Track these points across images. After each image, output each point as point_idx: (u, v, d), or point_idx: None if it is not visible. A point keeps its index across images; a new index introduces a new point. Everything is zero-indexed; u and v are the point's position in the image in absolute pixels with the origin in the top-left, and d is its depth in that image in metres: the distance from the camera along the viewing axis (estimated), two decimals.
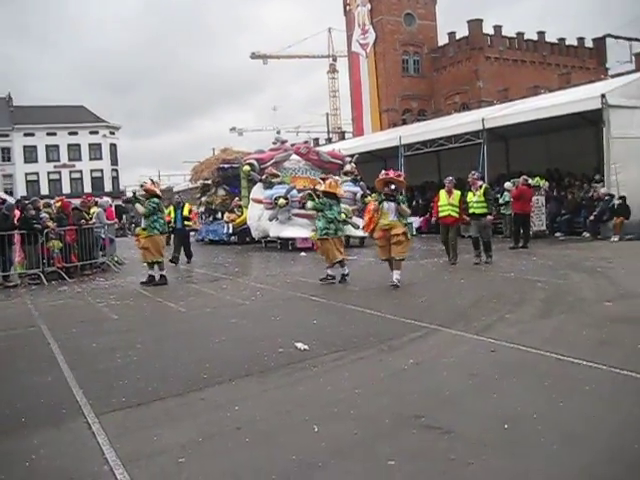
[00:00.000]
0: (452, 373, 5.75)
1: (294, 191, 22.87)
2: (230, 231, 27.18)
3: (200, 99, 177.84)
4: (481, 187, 14.58)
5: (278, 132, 38.96)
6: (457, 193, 14.45)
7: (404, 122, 54.77)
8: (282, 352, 6.81)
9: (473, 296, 9.74)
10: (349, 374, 5.91)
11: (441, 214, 14.59)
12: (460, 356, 6.34)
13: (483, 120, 23.94)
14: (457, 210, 14.35)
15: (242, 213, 25.94)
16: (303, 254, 19.79)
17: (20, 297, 13.21)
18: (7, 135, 72.12)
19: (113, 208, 26.38)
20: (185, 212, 20.34)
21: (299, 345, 6.26)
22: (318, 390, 5.47)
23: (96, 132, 75.31)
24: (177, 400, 5.43)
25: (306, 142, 28.99)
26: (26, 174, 72.17)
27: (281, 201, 22.27)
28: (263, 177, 23.69)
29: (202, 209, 30.70)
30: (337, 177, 22.57)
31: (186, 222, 20.28)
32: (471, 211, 14.55)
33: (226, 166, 28.05)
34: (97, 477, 3.91)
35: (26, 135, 72.55)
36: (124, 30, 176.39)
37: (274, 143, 26.84)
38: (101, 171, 75.30)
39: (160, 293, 12.24)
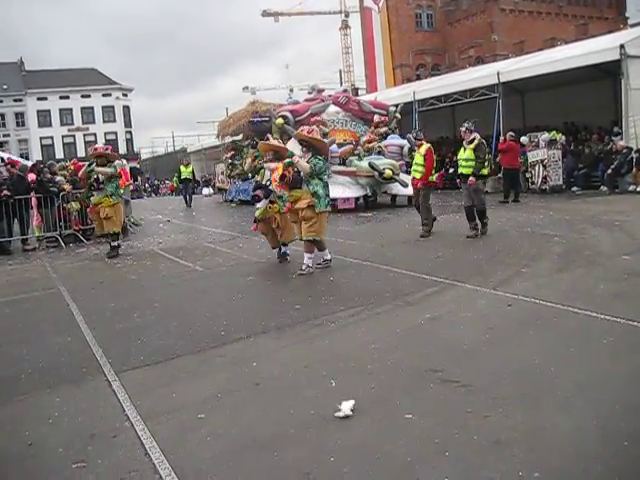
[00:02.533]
0: (468, 327, 5.75)
1: (333, 146, 19.21)
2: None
3: (213, 59, 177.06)
4: (472, 141, 11.96)
5: (291, 90, 38.17)
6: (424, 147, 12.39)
7: (418, 77, 54.18)
8: (299, 308, 6.85)
9: (489, 251, 9.70)
10: (366, 329, 5.95)
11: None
12: (476, 310, 6.35)
13: (498, 74, 23.55)
14: (422, 170, 12.37)
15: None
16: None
17: (39, 260, 13.32)
18: (21, 100, 72.04)
19: (128, 170, 26.34)
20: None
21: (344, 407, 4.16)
22: (335, 346, 5.51)
23: (109, 94, 75.07)
24: (195, 357, 5.50)
25: (345, 91, 25.16)
26: (41, 138, 72.24)
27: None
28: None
29: (231, 170, 27.94)
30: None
31: None
32: (459, 171, 12.47)
33: (257, 119, 24.45)
34: (118, 433, 3.98)
35: (39, 99, 72.42)
36: None
37: (309, 93, 24.22)
38: (115, 133, 75.22)
39: (177, 253, 12.28)
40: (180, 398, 4.50)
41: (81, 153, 67.37)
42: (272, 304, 7.22)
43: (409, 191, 16.36)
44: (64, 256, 13.72)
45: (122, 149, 72.98)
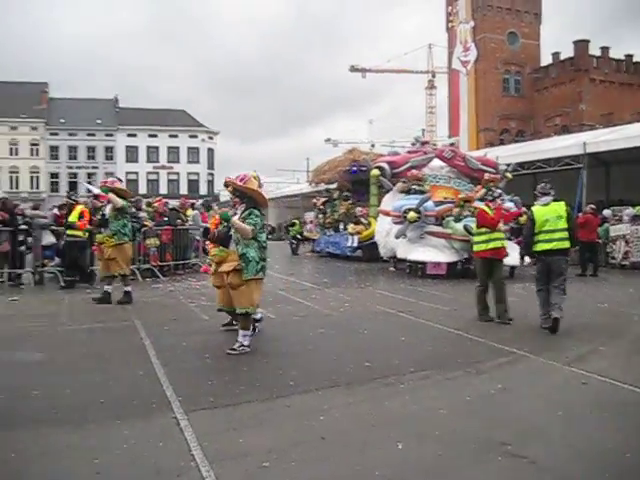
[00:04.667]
0: (541, 402, 5.62)
1: (429, 203, 17.50)
2: (355, 244, 23.25)
3: (303, 108, 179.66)
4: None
5: (372, 146, 38.12)
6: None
7: (501, 142, 53.92)
8: (369, 366, 6.82)
9: (565, 324, 9.45)
10: (435, 394, 5.88)
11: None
12: (550, 385, 6.20)
13: (585, 144, 23.25)
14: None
15: (370, 224, 22.20)
16: (392, 269, 19.21)
17: (116, 291, 13.66)
18: (112, 135, 74.97)
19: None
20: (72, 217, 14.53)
21: None
22: (403, 407, 5.46)
23: (195, 136, 77.33)
24: (264, 405, 5.53)
25: (452, 144, 23.57)
26: (127, 173, 74.59)
27: (411, 215, 17.06)
28: (402, 181, 19.26)
29: (322, 219, 27.17)
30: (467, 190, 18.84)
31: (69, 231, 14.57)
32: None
33: (355, 169, 23.52)
34: (183, 472, 4.03)
35: (129, 136, 75.20)
36: (251, 35, 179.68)
37: (413, 144, 22.92)
38: (197, 174, 77.21)
39: None
40: (246, 444, 4.53)
41: (163, 190, 69.47)
42: (341, 359, 7.20)
43: (512, 261, 13.66)
44: (140, 290, 14.01)
45: (203, 190, 74.76)
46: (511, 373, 6.68)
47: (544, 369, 6.87)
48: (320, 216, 27.31)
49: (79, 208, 14.41)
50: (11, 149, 71.98)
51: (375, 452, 4.37)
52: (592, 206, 19.00)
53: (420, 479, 3.93)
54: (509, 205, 17.10)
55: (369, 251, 21.87)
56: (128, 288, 12.05)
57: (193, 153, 77.38)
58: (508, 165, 21.74)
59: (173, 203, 21.11)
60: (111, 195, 11.84)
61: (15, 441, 4.62)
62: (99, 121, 74.56)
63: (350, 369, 6.69)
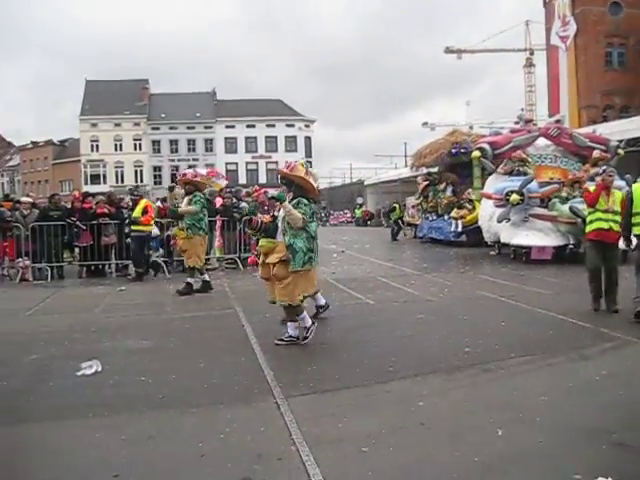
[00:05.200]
0: None
1: (533, 184, 16.60)
2: (459, 229, 22.35)
3: (402, 92, 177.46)
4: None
5: (470, 128, 37.13)
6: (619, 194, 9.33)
7: (604, 119, 51.80)
8: (469, 352, 6.75)
9: None
10: (536, 380, 5.77)
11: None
12: None
13: None
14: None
15: (474, 208, 21.30)
16: (493, 253, 18.56)
17: (218, 280, 14.02)
18: (211, 127, 76.56)
19: None
20: (136, 212, 14.58)
21: None
22: (504, 393, 5.38)
23: (292, 125, 77.97)
24: (363, 390, 5.57)
25: (558, 121, 21.44)
26: (226, 164, 76.11)
27: (513, 197, 16.19)
28: (505, 163, 18.35)
29: (424, 205, 26.14)
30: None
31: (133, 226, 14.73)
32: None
33: (455, 151, 22.57)
34: (283, 456, 4.12)
35: (227, 127, 76.59)
36: (347, 19, 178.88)
37: (516, 123, 21.56)
38: None
39: (350, 284, 12.46)
40: (345, 429, 4.58)
41: (262, 180, 70.43)
42: (441, 344, 7.16)
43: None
44: (241, 278, 14.36)
45: None
46: (616, 359, 6.44)
47: None
48: (422, 201, 26.38)
49: (143, 203, 14.69)
50: (116, 145, 74.67)
51: (474, 438, 4.34)
52: None
53: (520, 466, 3.87)
54: (620, 184, 14.58)
55: (473, 236, 20.95)
56: (205, 277, 12.27)
57: (290, 142, 78.04)
58: (620, 142, 20.39)
59: (272, 192, 21.41)
60: (186, 209, 11.99)
61: (123, 425, 4.85)
62: (198, 114, 76.25)
63: (450, 355, 6.63)
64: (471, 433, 4.44)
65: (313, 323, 7.67)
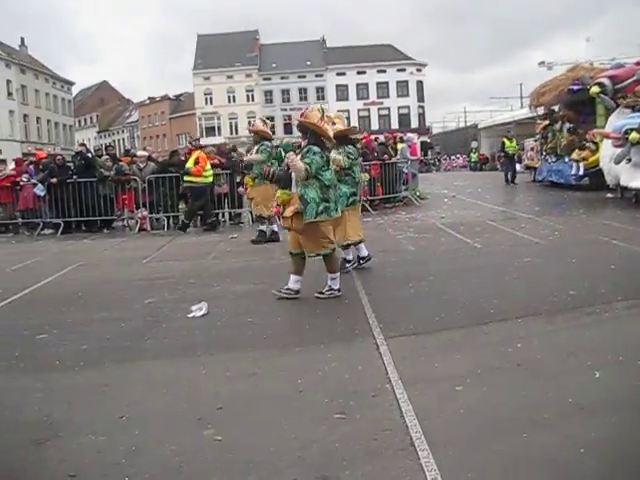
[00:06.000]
0: None
1: None
2: (580, 172, 20.33)
3: (521, 30, 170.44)
4: None
5: (591, 64, 35.23)
6: None
7: None
8: (573, 294, 6.60)
9: None
10: None
11: None
12: None
13: None
14: None
15: (597, 150, 19.01)
16: (609, 196, 17.20)
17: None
18: (321, 75, 76.44)
19: (418, 144, 26.78)
20: (189, 163, 14.92)
21: None
22: (605, 336, 5.27)
23: (403, 70, 76.70)
24: (461, 332, 5.60)
25: None
26: (338, 111, 75.81)
27: (633, 135, 14.47)
28: (627, 100, 16.65)
29: (543, 145, 24.33)
30: None
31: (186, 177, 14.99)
32: None
33: (576, 87, 20.36)
34: (378, 393, 4.23)
35: (338, 74, 76.25)
36: None
37: None
38: (408, 108, 76.84)
39: (458, 228, 12.36)
40: (441, 369, 4.65)
41: (375, 126, 70.08)
42: (546, 287, 7.02)
43: None
44: None
45: (414, 123, 74.41)
46: None
47: None
48: (541, 142, 24.61)
49: (196, 154, 14.84)
50: (229, 97, 75.92)
51: (570, 380, 4.28)
52: None
53: (613, 409, 3.79)
54: None
55: (596, 179, 18.72)
56: (273, 227, 12.31)
57: (402, 87, 76.93)
58: None
59: (381, 138, 21.34)
60: (252, 157, 12.12)
61: (228, 363, 5.12)
62: (308, 63, 76.27)
63: (553, 298, 6.51)
64: (567, 375, 4.39)
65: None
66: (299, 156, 7.09)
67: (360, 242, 8.84)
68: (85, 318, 6.86)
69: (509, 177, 26.25)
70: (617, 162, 15.11)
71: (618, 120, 16.23)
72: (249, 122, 56.58)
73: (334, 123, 8.13)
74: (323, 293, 7.26)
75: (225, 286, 8.17)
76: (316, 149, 7.03)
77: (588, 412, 3.78)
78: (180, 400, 4.35)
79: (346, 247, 8.71)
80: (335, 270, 7.33)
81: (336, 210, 7.28)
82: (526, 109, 34.02)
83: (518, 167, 28.90)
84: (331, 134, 7.37)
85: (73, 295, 8.10)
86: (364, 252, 8.95)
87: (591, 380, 4.25)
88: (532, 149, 27.43)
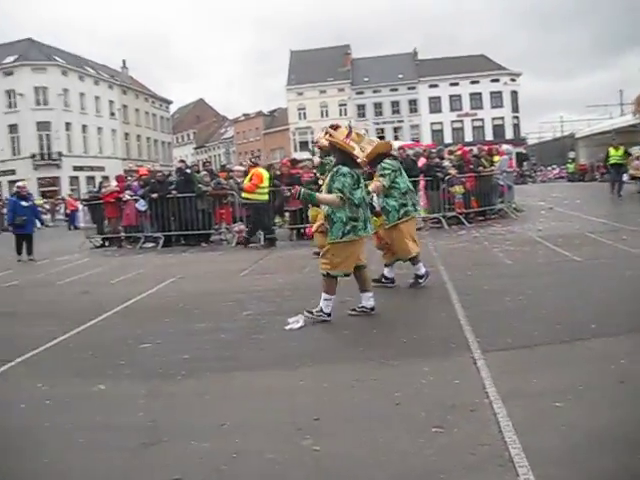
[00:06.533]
0: None
1: None
2: None
3: (619, 38, 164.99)
4: None
5: None
6: None
7: None
8: None
9: None
10: None
11: None
12: None
13: None
14: None
15: None
16: None
17: (423, 239, 14.13)
18: (414, 87, 76.26)
19: (514, 156, 26.03)
20: (246, 180, 15.57)
21: None
22: None
23: (497, 80, 75.57)
24: (562, 347, 5.48)
25: None
26: (431, 124, 75.67)
27: None
28: None
29: None
30: None
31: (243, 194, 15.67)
32: None
33: None
34: (476, 408, 4.19)
35: (431, 87, 75.89)
36: None
37: None
38: (502, 118, 75.63)
39: (556, 241, 12.07)
40: (540, 384, 4.56)
41: (468, 138, 69.35)
42: None
43: None
44: (446, 237, 14.44)
45: (509, 134, 73.24)
46: None
47: None
48: None
49: (252, 171, 15.17)
50: (322, 111, 76.69)
51: None
52: None
53: None
54: None
55: None
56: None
57: (496, 97, 75.80)
58: None
59: (474, 150, 21.13)
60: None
61: (326, 374, 5.19)
62: (400, 75, 76.25)
63: None
64: None
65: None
66: (327, 178, 7.00)
67: (416, 260, 8.69)
68: (186, 329, 7.11)
69: (615, 188, 24.36)
70: None
71: None
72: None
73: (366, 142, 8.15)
74: (312, 313, 7.02)
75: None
76: (344, 170, 6.80)
77: None
78: (279, 410, 4.44)
79: (413, 262, 8.62)
80: (330, 291, 7.00)
81: (365, 229, 6.97)
82: (627, 116, 32.80)
83: (624, 177, 26.49)
84: (358, 152, 7.05)
85: (174, 306, 8.41)
86: (422, 270, 8.69)
87: None
88: (638, 158, 25.98)
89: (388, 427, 4.02)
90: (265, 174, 15.24)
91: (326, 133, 7.25)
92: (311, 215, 7.47)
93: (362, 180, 7.07)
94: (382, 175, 8.30)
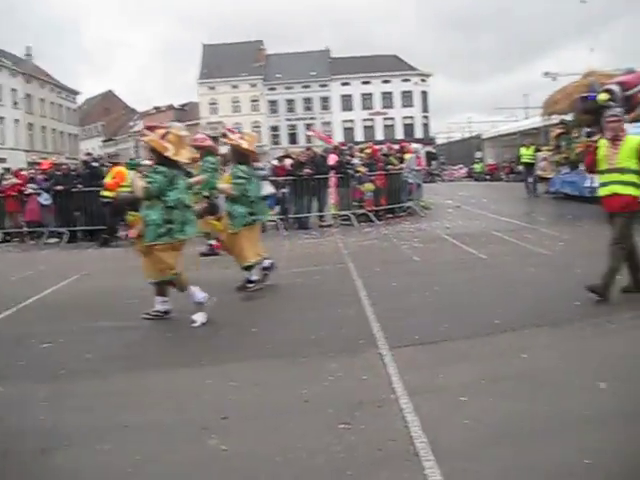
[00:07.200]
0: None
1: None
2: (594, 184, 18.61)
3: (523, 44, 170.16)
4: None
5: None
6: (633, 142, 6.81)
7: None
8: (578, 305, 6.60)
9: None
10: None
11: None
12: None
13: None
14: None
15: None
16: None
17: (332, 236, 14.27)
18: (326, 85, 76.62)
19: (423, 154, 26.51)
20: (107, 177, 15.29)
21: None
22: (610, 348, 5.24)
23: (408, 80, 76.83)
24: (466, 342, 5.59)
25: None
26: (343, 121, 76.24)
27: None
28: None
29: (557, 155, 23.02)
30: None
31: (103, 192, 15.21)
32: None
33: (592, 95, 18.33)
34: (383, 404, 4.24)
35: (343, 85, 76.44)
36: None
37: None
38: (412, 118, 76.96)
39: (463, 239, 12.35)
40: (445, 379, 4.65)
41: (379, 136, 70.00)
42: (551, 297, 7.01)
43: None
44: (355, 234, 14.55)
45: (418, 133, 74.47)
46: None
47: None
48: (554, 152, 23.25)
49: (114, 170, 15.02)
50: (234, 107, 76.11)
51: (575, 391, 4.29)
52: None
53: (619, 420, 3.79)
54: None
55: None
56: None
57: (407, 97, 77.06)
58: None
59: (384, 148, 21.38)
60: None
61: (232, 373, 5.12)
62: (313, 73, 76.45)
63: (558, 308, 6.52)
64: (572, 386, 4.39)
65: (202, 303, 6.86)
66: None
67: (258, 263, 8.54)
68: (89, 327, 6.89)
69: (530, 187, 24.58)
70: None
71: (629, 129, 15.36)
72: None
73: (235, 140, 8.24)
74: (149, 314, 7.04)
75: (230, 296, 8.16)
76: (161, 169, 6.71)
77: (593, 423, 3.78)
78: (185, 409, 4.36)
79: (248, 269, 8.43)
80: (162, 293, 7.06)
81: (182, 232, 6.83)
82: (532, 119, 33.64)
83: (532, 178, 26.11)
84: (171, 152, 6.77)
85: (78, 304, 8.16)
86: (255, 277, 8.52)
87: (596, 391, 4.24)
88: (545, 159, 26.12)
89: (296, 425, 4.00)
90: (127, 173, 14.84)
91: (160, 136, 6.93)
92: (129, 220, 7.36)
93: (181, 181, 6.98)
94: (235, 181, 8.14)
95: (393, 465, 3.39)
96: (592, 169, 7.25)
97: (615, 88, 16.37)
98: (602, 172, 7.02)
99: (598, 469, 3.22)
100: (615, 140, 6.85)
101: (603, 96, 16.34)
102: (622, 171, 6.75)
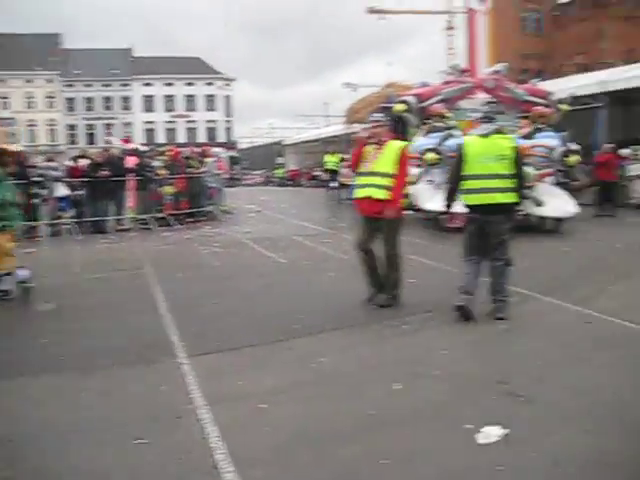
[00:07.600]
0: (543, 342, 5.60)
1: (452, 141, 13.45)
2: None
3: (330, 53, 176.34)
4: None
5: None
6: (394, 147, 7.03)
7: (521, 82, 52.83)
8: (375, 308, 6.85)
9: (575, 265, 9.43)
10: (438, 334, 5.91)
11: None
12: (554, 325, 6.17)
13: (603, 82, 22.76)
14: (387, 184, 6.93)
15: None
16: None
17: (130, 240, 13.82)
18: (128, 84, 74.64)
19: (226, 159, 26.43)
20: None
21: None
22: (405, 348, 5.50)
23: (211, 84, 76.78)
24: (267, 348, 5.59)
25: (497, 72, 18.52)
26: (144, 122, 74.61)
27: (429, 156, 14.32)
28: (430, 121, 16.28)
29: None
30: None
31: None
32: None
33: (390, 105, 18.31)
34: (181, 415, 4.10)
35: (145, 85, 74.86)
36: None
37: (449, 73, 18.99)
38: (215, 122, 76.94)
39: (263, 243, 12.44)
40: (246, 386, 4.60)
41: (181, 139, 69.42)
42: (349, 301, 7.20)
43: (556, 211, 13.27)
44: (155, 238, 14.19)
45: (221, 137, 74.61)
46: (516, 314, 6.51)
47: (550, 309, 6.83)
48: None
49: None
50: (28, 102, 71.80)
51: (372, 392, 4.42)
52: (611, 145, 18.56)
53: (414, 419, 3.96)
54: (552, 141, 14.72)
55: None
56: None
57: (210, 101, 76.97)
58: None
59: (185, 151, 21.11)
60: None
61: (18, 388, 4.75)
62: (114, 71, 74.11)
63: (356, 311, 6.74)
64: (370, 388, 4.51)
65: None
66: None
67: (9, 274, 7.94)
68: None
69: (334, 193, 24.57)
70: (416, 183, 14.52)
71: (417, 141, 15.82)
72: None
73: None
74: None
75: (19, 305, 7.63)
76: None
77: (387, 424, 3.90)
78: None
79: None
80: None
81: None
82: (333, 127, 34.88)
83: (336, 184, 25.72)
84: None
85: None
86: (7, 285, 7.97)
87: (392, 392, 4.40)
88: (348, 166, 26.61)
89: (87, 444, 3.75)
90: None
91: None
92: None
93: None
94: None
95: (192, 479, 3.29)
96: (355, 170, 7.39)
97: (411, 99, 17.12)
98: (361, 174, 7.20)
99: (394, 470, 3.33)
100: (379, 144, 7.05)
101: (399, 107, 17.01)
102: (378, 175, 6.94)
